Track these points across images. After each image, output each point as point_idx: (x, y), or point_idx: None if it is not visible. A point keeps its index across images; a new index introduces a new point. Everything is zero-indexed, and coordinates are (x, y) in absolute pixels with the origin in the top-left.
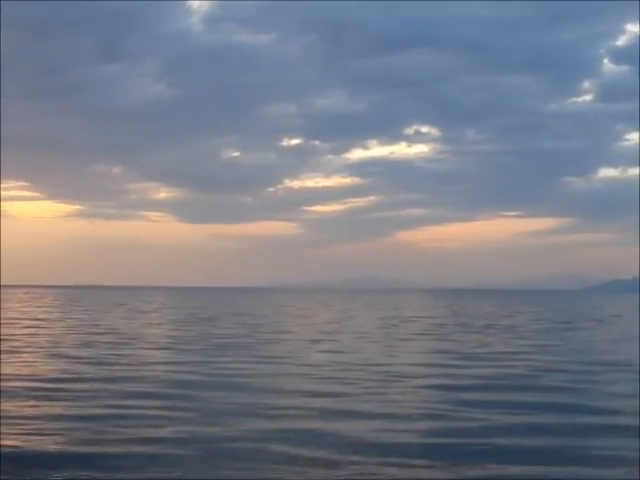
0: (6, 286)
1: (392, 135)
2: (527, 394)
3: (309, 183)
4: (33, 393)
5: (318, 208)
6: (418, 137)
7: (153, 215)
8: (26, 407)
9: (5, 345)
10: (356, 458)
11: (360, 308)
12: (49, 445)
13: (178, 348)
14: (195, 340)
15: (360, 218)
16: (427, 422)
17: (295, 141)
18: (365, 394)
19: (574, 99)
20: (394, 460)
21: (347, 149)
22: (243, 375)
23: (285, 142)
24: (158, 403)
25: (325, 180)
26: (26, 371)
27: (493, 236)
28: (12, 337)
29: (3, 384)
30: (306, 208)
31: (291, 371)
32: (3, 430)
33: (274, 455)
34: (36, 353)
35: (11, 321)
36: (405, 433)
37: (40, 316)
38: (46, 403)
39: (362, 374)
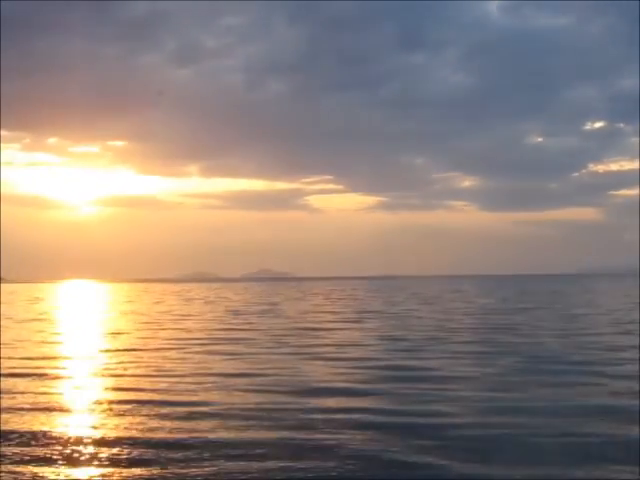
0: (314, 278)
1: None
2: None
3: (614, 167)
4: None
5: (624, 192)
6: None
7: (458, 204)
8: None
9: None
10: None
11: None
12: None
13: None
14: None
15: None
16: None
17: (598, 124)
18: None
19: None
20: None
21: None
22: None
23: (588, 125)
24: None
25: (631, 163)
26: None
27: None
28: None
29: None
30: (612, 192)
31: None
32: None
33: None
34: None
35: None
36: None
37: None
38: None
39: None
